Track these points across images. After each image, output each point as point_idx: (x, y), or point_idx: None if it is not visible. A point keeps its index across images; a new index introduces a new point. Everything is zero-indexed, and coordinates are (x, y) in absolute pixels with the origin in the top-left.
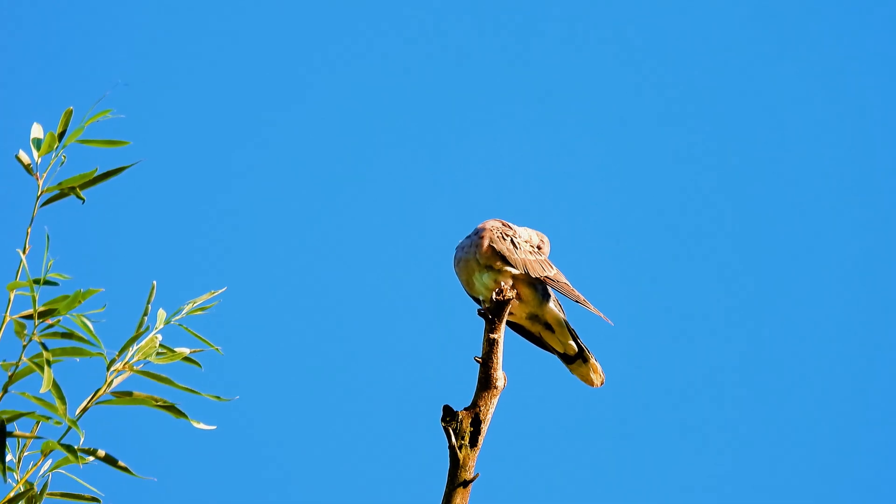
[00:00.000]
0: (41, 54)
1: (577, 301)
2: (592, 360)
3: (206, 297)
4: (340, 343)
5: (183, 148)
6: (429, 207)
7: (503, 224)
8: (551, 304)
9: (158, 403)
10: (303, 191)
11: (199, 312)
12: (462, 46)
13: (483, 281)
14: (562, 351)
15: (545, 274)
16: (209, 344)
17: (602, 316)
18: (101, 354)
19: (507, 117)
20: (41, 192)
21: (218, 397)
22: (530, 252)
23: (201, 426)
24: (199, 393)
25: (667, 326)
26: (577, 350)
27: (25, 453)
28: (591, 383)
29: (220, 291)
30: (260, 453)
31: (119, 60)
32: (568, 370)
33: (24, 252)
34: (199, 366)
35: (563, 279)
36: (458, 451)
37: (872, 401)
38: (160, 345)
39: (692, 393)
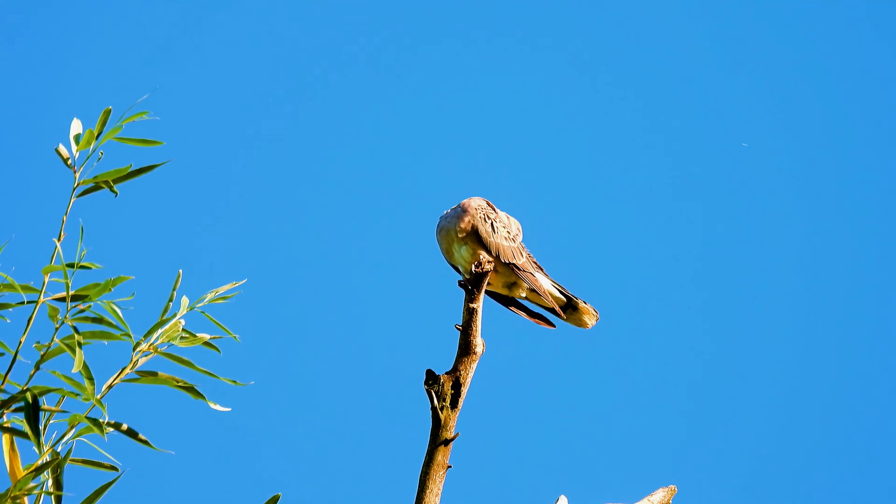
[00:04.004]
0: (78, 55)
1: (536, 291)
2: (581, 304)
3: (227, 287)
4: (331, 312)
5: (204, 147)
6: (414, 182)
7: (488, 205)
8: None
9: (179, 384)
10: (293, 181)
11: (220, 301)
12: (456, 41)
13: (461, 253)
14: (550, 306)
15: (513, 261)
16: (227, 331)
17: (557, 310)
18: (128, 337)
19: (500, 98)
20: (77, 185)
21: (235, 381)
22: (506, 238)
23: (218, 408)
24: (217, 377)
25: (646, 305)
26: (565, 301)
27: (52, 422)
28: (586, 326)
29: (241, 283)
30: (249, 420)
31: (136, 61)
32: (563, 321)
33: (58, 240)
34: (219, 351)
35: (529, 269)
36: (440, 412)
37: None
38: (183, 329)
39: (665, 361)
